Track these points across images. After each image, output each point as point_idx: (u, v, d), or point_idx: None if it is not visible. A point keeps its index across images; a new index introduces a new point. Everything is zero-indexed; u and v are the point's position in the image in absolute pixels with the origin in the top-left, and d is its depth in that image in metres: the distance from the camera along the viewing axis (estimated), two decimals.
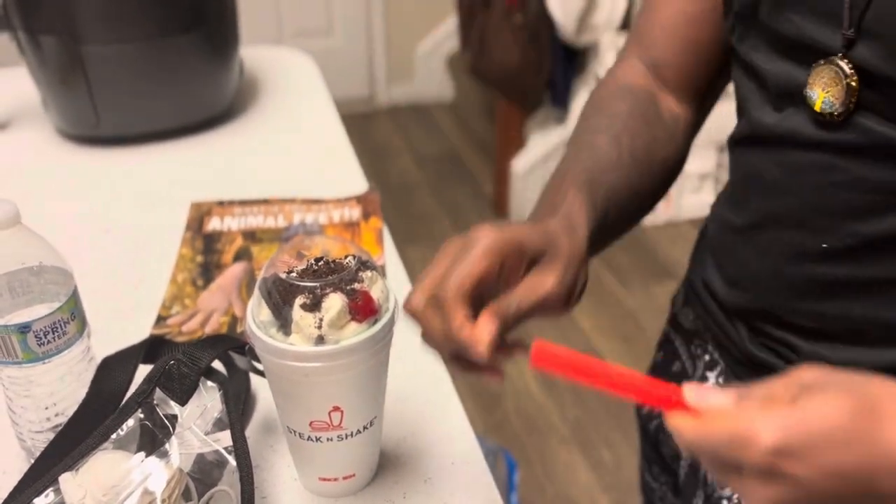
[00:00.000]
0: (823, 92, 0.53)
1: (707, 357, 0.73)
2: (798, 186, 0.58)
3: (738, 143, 0.65)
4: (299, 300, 0.52)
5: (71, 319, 0.58)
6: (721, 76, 0.70)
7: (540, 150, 2.60)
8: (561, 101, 2.54)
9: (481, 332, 0.48)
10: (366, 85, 3.47)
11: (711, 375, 0.72)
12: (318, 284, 0.52)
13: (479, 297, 0.50)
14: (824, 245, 0.57)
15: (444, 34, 3.36)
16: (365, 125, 3.37)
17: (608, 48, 2.34)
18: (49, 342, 0.57)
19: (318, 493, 0.61)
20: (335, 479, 0.59)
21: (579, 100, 2.53)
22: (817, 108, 0.54)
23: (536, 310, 0.51)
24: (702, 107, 0.72)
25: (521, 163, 2.62)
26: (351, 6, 3.29)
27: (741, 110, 0.64)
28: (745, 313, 0.65)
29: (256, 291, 0.54)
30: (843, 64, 0.52)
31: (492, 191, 2.84)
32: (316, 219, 0.92)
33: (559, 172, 0.62)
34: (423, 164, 3.12)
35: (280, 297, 0.53)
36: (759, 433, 0.39)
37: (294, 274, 0.54)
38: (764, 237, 0.62)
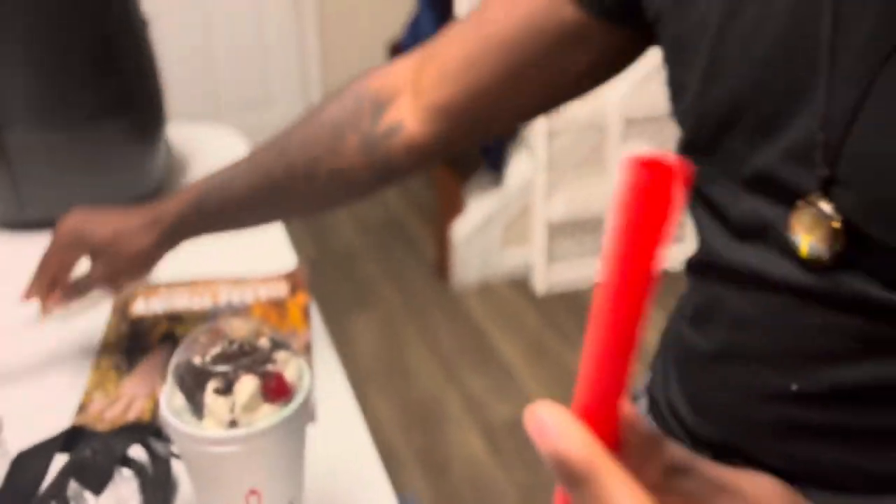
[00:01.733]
0: (809, 236, 0.48)
1: None
2: (767, 324, 0.53)
3: (695, 268, 0.60)
4: (212, 385, 0.53)
5: None
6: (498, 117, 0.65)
7: (479, 214, 2.65)
8: (495, 165, 2.60)
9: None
10: None
11: None
12: (230, 368, 0.53)
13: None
14: (794, 387, 0.52)
15: None
16: None
17: None
18: None
19: None
20: None
21: (514, 163, 2.60)
22: (803, 253, 0.49)
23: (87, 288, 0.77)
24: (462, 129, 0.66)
25: (461, 227, 2.66)
26: (288, 78, 3.34)
27: (699, 237, 0.59)
28: (712, 445, 0.60)
29: (169, 377, 0.55)
30: (824, 204, 0.47)
31: (434, 255, 2.87)
32: (242, 298, 0.93)
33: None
34: (366, 232, 3.14)
35: (193, 383, 0.53)
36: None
37: (208, 358, 0.55)
38: (731, 370, 0.57)
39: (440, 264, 2.79)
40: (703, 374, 0.60)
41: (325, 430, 0.73)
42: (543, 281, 2.63)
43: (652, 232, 0.23)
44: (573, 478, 0.27)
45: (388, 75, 0.69)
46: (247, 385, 0.53)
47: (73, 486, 0.57)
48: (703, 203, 0.56)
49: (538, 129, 2.42)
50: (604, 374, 0.27)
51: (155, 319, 0.89)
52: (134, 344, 0.85)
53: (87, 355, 0.84)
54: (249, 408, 0.53)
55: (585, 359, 0.27)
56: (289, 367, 0.55)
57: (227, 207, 0.74)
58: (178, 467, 0.67)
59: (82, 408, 0.77)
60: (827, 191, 0.47)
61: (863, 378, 0.49)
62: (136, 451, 0.62)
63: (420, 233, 3.09)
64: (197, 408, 0.53)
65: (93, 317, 0.89)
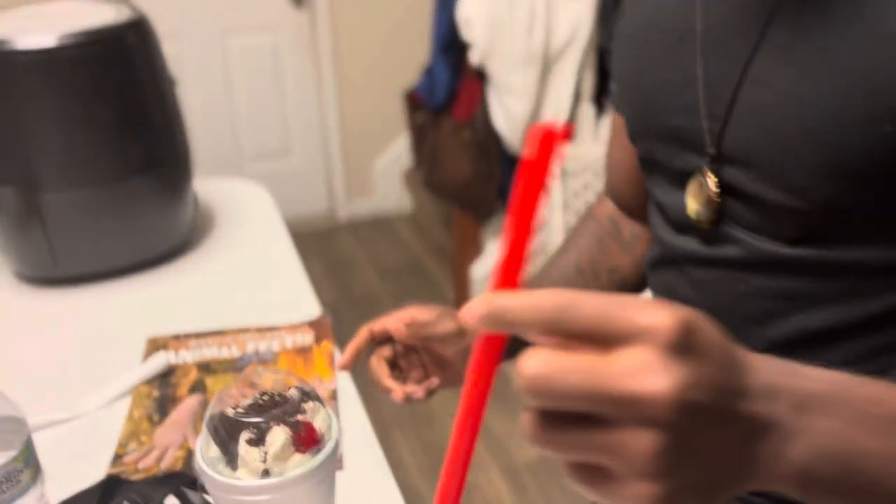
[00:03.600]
0: (694, 202, 0.61)
1: None
2: (706, 300, 0.63)
3: (653, 265, 0.72)
4: (244, 435, 0.55)
5: (25, 468, 0.60)
6: None
7: (496, 256, 2.67)
8: None
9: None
10: (326, 201, 3.56)
11: None
12: (262, 419, 0.55)
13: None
14: None
15: (400, 149, 3.49)
16: (327, 240, 3.43)
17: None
18: (3, 492, 0.58)
19: None
20: None
21: None
22: (693, 218, 0.61)
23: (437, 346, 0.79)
24: None
25: (479, 269, 2.68)
26: (307, 127, 3.41)
27: (654, 236, 0.71)
28: None
29: (204, 429, 0.57)
30: (709, 177, 0.59)
31: (453, 297, 2.89)
32: (269, 346, 0.95)
33: None
34: (386, 276, 3.17)
35: (226, 434, 0.56)
36: (661, 315, 0.33)
37: (240, 409, 0.57)
38: None
39: (459, 305, 2.81)
40: None
41: (352, 477, 0.75)
42: None
43: (542, 169, 0.34)
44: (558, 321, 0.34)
45: (603, 207, 0.87)
46: (278, 435, 0.55)
47: None
48: (654, 204, 0.69)
49: (553, 171, 2.45)
50: (510, 267, 0.36)
51: (185, 369, 0.92)
52: (165, 393, 0.88)
53: (121, 405, 0.87)
54: (281, 457, 0.55)
55: (497, 264, 0.36)
56: (317, 416, 0.58)
57: None
58: None
59: (117, 458, 0.79)
60: (712, 167, 0.59)
61: (793, 331, 0.58)
62: (171, 501, 0.64)
63: (439, 275, 3.12)
64: (231, 458, 0.55)
65: (125, 366, 0.92)
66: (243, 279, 1.14)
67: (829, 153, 0.51)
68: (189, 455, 0.79)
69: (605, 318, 0.33)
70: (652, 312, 0.33)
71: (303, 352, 0.95)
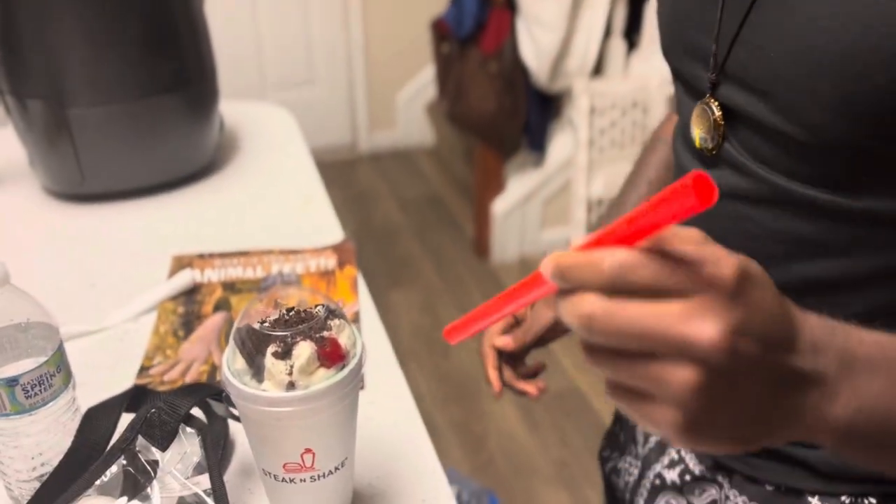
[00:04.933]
0: (698, 127, 0.59)
1: None
2: (720, 239, 0.61)
3: None
4: (271, 348, 0.56)
5: (57, 372, 0.61)
6: None
7: (518, 193, 2.66)
8: (537, 144, 2.60)
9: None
10: (348, 132, 3.54)
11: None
12: (288, 333, 0.56)
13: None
14: None
15: (424, 82, 3.44)
16: (348, 172, 3.43)
17: (581, 93, 2.41)
18: (36, 394, 0.60)
19: None
20: None
21: (555, 143, 2.60)
22: (697, 144, 0.59)
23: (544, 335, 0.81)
24: None
25: (500, 205, 2.67)
26: (332, 57, 3.37)
27: (675, 162, 0.69)
28: None
29: (231, 341, 0.58)
30: (712, 103, 0.57)
31: (473, 233, 2.89)
32: (293, 269, 0.96)
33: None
34: (406, 209, 3.17)
35: (253, 346, 0.57)
36: (725, 258, 0.36)
37: (266, 324, 0.58)
38: None
39: (479, 242, 2.82)
40: None
41: (373, 398, 0.76)
42: None
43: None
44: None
45: (671, 120, 0.83)
46: (304, 349, 0.56)
47: (140, 441, 0.61)
48: (677, 125, 0.66)
49: (581, 107, 2.42)
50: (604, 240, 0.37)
51: (210, 287, 0.93)
52: (190, 310, 0.89)
53: (147, 319, 0.88)
54: (306, 371, 0.56)
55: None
56: (343, 333, 0.58)
57: None
58: (234, 427, 0.71)
59: (143, 370, 0.81)
60: (714, 92, 0.57)
61: (794, 279, 0.56)
62: (196, 411, 0.66)
63: (460, 210, 3.12)
64: (257, 370, 0.56)
65: (151, 282, 0.94)
66: (268, 202, 1.15)
67: (847, 89, 0.49)
68: (213, 370, 0.81)
69: (667, 276, 0.35)
70: (713, 266, 0.35)
71: (326, 275, 0.96)
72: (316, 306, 0.60)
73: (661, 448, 0.74)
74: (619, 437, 0.83)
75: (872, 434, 0.40)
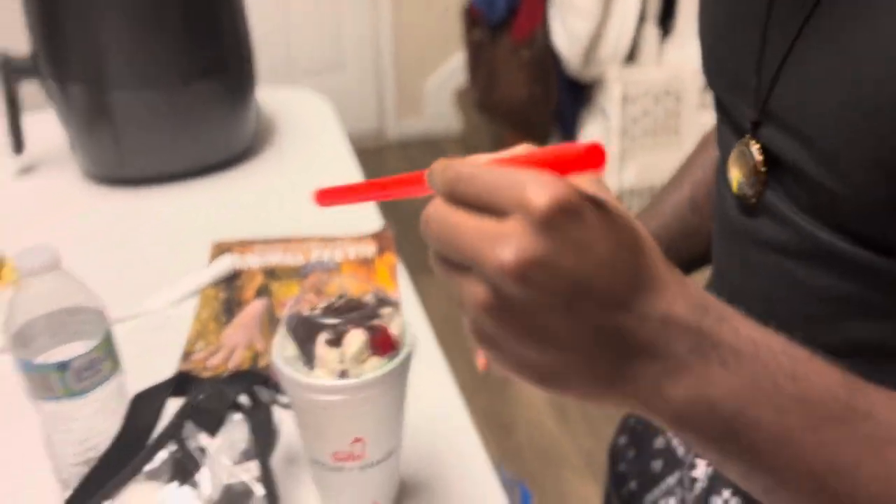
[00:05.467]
0: (738, 173, 0.53)
1: None
2: (755, 291, 0.56)
3: (715, 236, 0.64)
4: (323, 337, 0.55)
5: (106, 357, 0.61)
6: None
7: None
8: (569, 132, 2.58)
9: None
10: (375, 119, 3.53)
11: (701, 462, 0.69)
12: (340, 321, 0.56)
13: None
14: None
15: (452, 69, 3.43)
16: (376, 159, 3.42)
17: (614, 81, 2.39)
18: (86, 379, 0.60)
19: None
20: None
21: (586, 131, 2.58)
22: (734, 190, 0.53)
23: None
24: None
25: None
26: (360, 43, 3.36)
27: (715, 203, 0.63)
28: None
29: (282, 328, 0.58)
30: (752, 146, 0.51)
31: None
32: (332, 256, 0.96)
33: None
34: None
35: (305, 334, 0.56)
36: (540, 183, 0.33)
37: (317, 312, 0.57)
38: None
39: None
40: None
41: (416, 387, 0.75)
42: None
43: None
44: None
45: None
46: (356, 338, 0.55)
47: (188, 427, 0.61)
48: (721, 171, 0.59)
49: (613, 95, 2.40)
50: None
51: (250, 274, 0.93)
52: (231, 296, 0.89)
53: (188, 305, 0.88)
54: (358, 359, 0.55)
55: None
56: (393, 322, 0.58)
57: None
58: (279, 414, 0.71)
59: (186, 356, 0.81)
60: (755, 132, 0.51)
61: (839, 342, 0.50)
62: (243, 399, 0.65)
63: None
64: (308, 358, 0.56)
65: (191, 267, 0.94)
66: (305, 189, 1.14)
67: (875, 143, 0.43)
68: (255, 356, 0.80)
69: (488, 193, 0.34)
70: (535, 188, 0.33)
71: (365, 263, 0.95)
72: (365, 294, 0.59)
73: (708, 495, 0.67)
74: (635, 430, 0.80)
75: (713, 429, 0.37)
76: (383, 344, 0.56)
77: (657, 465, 0.75)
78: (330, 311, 0.57)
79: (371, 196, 0.49)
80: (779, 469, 0.38)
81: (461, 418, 0.74)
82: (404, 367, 0.57)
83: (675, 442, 0.72)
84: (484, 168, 0.35)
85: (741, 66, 0.51)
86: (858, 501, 0.38)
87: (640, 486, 0.77)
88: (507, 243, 0.33)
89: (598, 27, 2.30)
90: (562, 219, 0.33)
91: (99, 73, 1.02)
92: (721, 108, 0.58)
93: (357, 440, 0.58)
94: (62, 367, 0.59)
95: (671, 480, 0.74)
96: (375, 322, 0.57)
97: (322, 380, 0.55)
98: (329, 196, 0.50)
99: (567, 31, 2.29)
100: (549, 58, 2.36)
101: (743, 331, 0.37)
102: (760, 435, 0.37)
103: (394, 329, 0.57)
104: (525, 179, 0.33)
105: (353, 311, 0.57)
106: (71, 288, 0.61)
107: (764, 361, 0.37)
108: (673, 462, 0.73)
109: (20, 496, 0.66)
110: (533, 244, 0.33)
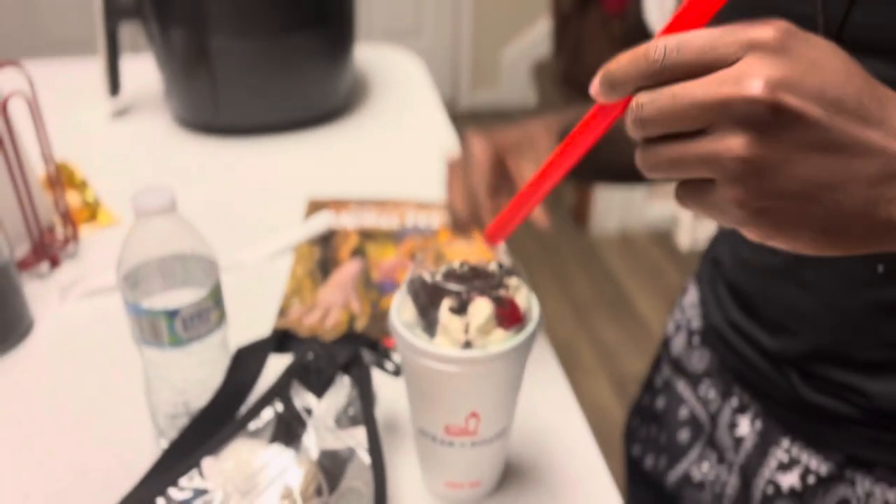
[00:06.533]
0: None
1: (736, 400, 0.70)
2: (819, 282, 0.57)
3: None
4: (447, 303, 0.52)
5: (214, 308, 0.59)
6: None
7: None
8: None
9: None
10: (448, 88, 3.48)
11: (744, 420, 0.69)
12: (465, 288, 0.52)
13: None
14: (881, 268, 0.53)
15: (531, 40, 3.35)
16: None
17: None
18: (193, 328, 0.58)
19: (443, 497, 0.60)
20: (462, 485, 0.59)
21: None
22: None
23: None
24: None
25: None
26: (440, 8, 3.31)
27: None
28: (797, 358, 0.62)
29: (403, 291, 0.54)
30: None
31: (574, 202, 2.82)
32: (428, 222, 0.92)
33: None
34: None
35: (427, 299, 0.53)
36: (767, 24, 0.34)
37: (438, 276, 0.54)
38: (809, 273, 0.58)
39: (579, 212, 2.74)
40: (777, 288, 0.62)
41: None
42: (688, 236, 2.55)
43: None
44: None
45: None
46: (482, 307, 0.52)
47: (295, 386, 0.58)
48: None
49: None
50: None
51: (345, 234, 0.90)
52: (326, 255, 0.87)
53: (283, 260, 0.86)
54: (483, 330, 0.52)
55: None
56: (519, 293, 0.54)
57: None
58: (378, 379, 0.68)
59: (282, 312, 0.78)
60: None
61: None
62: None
63: None
64: (429, 324, 0.53)
65: (286, 222, 0.91)
66: (399, 149, 1.11)
67: None
68: (352, 318, 0.78)
69: (710, 49, 0.33)
70: (756, 26, 0.33)
71: None
72: (489, 263, 0.55)
73: (764, 448, 0.67)
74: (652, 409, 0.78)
75: None
76: (511, 316, 0.53)
77: (684, 435, 0.74)
78: (452, 277, 0.54)
79: (534, 201, 0.46)
80: None
81: (568, 402, 0.70)
82: (529, 343, 0.54)
83: (699, 409, 0.73)
84: (690, 34, 0.34)
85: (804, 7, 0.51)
86: None
87: (670, 459, 0.76)
88: (752, 76, 0.33)
89: None
90: (793, 42, 0.33)
91: (201, 17, 1.00)
92: None
93: (473, 415, 0.54)
94: (172, 314, 0.57)
95: (698, 448, 0.73)
96: (501, 292, 0.53)
97: (446, 349, 0.52)
98: (498, 230, 0.48)
99: (662, 7, 2.21)
100: (641, 34, 2.27)
101: None
102: None
103: (520, 301, 0.54)
104: (739, 26, 0.34)
105: (478, 279, 0.53)
106: (185, 233, 0.58)
107: None
108: (697, 429, 0.74)
109: (116, 439, 0.65)
110: (778, 68, 0.33)
